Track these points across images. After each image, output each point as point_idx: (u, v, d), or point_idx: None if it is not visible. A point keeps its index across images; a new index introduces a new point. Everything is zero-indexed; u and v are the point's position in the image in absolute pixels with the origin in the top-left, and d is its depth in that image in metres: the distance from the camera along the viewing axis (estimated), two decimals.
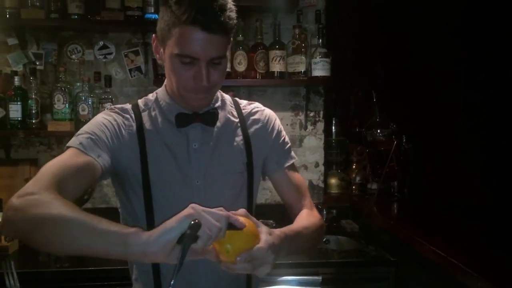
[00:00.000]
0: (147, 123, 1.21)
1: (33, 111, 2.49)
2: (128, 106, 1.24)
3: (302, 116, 2.78)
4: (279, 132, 1.33)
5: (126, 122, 1.19)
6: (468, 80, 2.28)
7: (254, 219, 1.02)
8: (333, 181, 2.78)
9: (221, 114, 1.25)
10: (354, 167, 2.88)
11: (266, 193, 2.70)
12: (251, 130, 1.29)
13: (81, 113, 2.49)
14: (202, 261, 0.99)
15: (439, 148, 2.53)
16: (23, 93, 2.48)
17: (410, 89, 2.72)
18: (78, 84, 2.56)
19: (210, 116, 1.21)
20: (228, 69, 2.50)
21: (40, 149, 2.67)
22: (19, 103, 2.45)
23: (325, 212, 2.67)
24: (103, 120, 1.17)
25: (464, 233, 1.95)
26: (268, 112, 1.34)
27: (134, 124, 1.19)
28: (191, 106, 1.19)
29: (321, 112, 2.80)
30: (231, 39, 1.16)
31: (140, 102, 1.27)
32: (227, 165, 1.23)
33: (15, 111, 2.45)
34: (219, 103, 1.27)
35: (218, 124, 1.24)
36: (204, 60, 1.08)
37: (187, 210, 0.90)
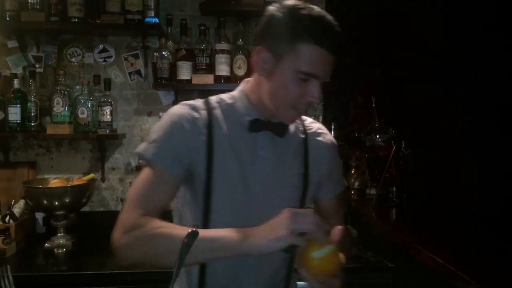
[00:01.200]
0: (215, 122, 1.20)
1: (32, 114, 2.49)
2: (199, 103, 1.22)
3: None
4: (337, 159, 1.36)
5: (195, 121, 1.18)
6: (467, 85, 2.28)
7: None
8: None
9: (290, 127, 1.25)
10: (352, 172, 2.87)
11: None
12: (313, 150, 1.29)
13: (80, 116, 2.49)
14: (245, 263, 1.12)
15: (438, 154, 2.53)
16: (22, 96, 2.48)
17: (410, 95, 2.72)
18: (77, 87, 2.57)
19: (281, 127, 1.22)
20: (227, 73, 2.50)
21: (39, 152, 2.67)
22: (18, 105, 2.46)
23: None
24: (172, 124, 1.16)
25: (462, 240, 1.94)
26: (330, 136, 1.35)
27: (203, 123, 1.18)
28: (282, 119, 1.19)
29: (320, 117, 2.80)
30: None
31: (213, 99, 1.25)
32: (287, 178, 1.24)
33: (14, 113, 2.45)
34: None
35: (286, 137, 1.24)
36: (323, 79, 1.10)
37: (290, 220, 0.95)
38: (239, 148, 1.19)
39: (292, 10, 1.09)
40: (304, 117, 1.33)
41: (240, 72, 2.52)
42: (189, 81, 2.50)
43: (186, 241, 0.89)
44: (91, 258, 2.31)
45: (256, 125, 1.19)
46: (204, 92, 2.68)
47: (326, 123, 2.80)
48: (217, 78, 2.50)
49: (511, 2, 2.05)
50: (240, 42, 2.56)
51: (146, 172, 1.14)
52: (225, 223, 1.08)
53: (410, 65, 2.71)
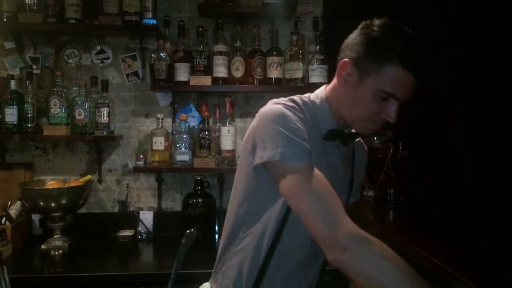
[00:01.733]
0: (306, 123, 1.20)
1: (29, 115, 2.48)
2: (291, 102, 1.20)
3: None
4: (364, 169, 1.44)
5: (299, 119, 1.16)
6: (466, 86, 2.29)
7: None
8: None
9: None
10: None
11: None
12: (357, 159, 1.37)
13: (77, 117, 2.48)
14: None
15: (436, 156, 2.53)
16: (19, 97, 2.47)
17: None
18: (74, 88, 2.56)
19: (350, 137, 1.26)
20: (225, 75, 2.50)
21: (35, 154, 2.66)
22: (15, 107, 2.45)
23: None
24: (295, 122, 1.13)
25: (460, 242, 1.94)
26: (365, 147, 1.44)
27: (306, 123, 1.17)
28: (358, 131, 1.22)
29: None
30: None
31: (298, 100, 1.23)
32: (342, 183, 1.30)
33: (11, 115, 2.45)
34: None
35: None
36: (402, 100, 1.13)
37: None
38: (314, 153, 1.17)
39: (386, 31, 1.12)
40: None
41: (238, 73, 2.52)
42: (187, 82, 2.49)
43: (184, 242, 0.89)
44: (87, 260, 2.30)
45: (331, 135, 1.22)
46: (202, 93, 2.69)
47: None
48: (215, 80, 2.50)
49: None
50: (237, 43, 2.56)
51: (306, 173, 1.08)
52: (296, 231, 1.16)
53: None
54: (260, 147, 1.12)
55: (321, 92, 1.27)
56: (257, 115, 1.20)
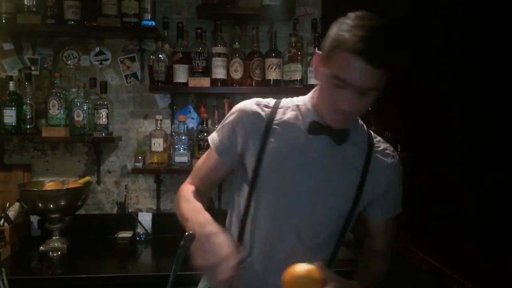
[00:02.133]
0: (278, 121, 1.28)
1: (28, 117, 2.48)
2: (268, 101, 1.33)
3: None
4: (397, 184, 1.35)
5: (258, 119, 1.28)
6: (465, 88, 2.29)
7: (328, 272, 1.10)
8: None
9: (352, 137, 1.27)
10: None
11: None
12: (374, 167, 1.29)
13: (76, 119, 2.48)
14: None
15: (435, 158, 2.53)
16: (18, 98, 2.47)
17: (406, 98, 2.73)
18: (73, 89, 2.56)
19: (340, 134, 1.24)
20: (224, 77, 2.51)
21: (34, 155, 2.66)
22: (13, 108, 2.45)
23: None
24: (235, 117, 1.31)
25: (458, 244, 1.95)
26: (396, 160, 1.34)
27: (265, 120, 1.28)
28: (328, 122, 1.22)
29: None
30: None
31: (284, 100, 1.34)
32: (337, 186, 1.27)
33: (9, 116, 2.44)
34: (353, 126, 1.29)
35: (345, 145, 1.26)
36: (355, 87, 1.10)
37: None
38: (295, 148, 1.25)
39: (343, 20, 1.13)
40: (374, 135, 1.35)
41: (237, 75, 2.52)
42: (186, 84, 2.49)
43: (183, 244, 0.89)
44: (86, 261, 2.30)
45: (314, 128, 1.23)
46: (201, 95, 2.69)
47: None
48: (214, 81, 2.50)
49: None
50: (236, 45, 2.57)
51: (209, 151, 1.37)
52: (264, 214, 1.27)
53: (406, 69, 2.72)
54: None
55: (313, 90, 1.32)
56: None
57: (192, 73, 2.51)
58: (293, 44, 2.57)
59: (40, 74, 2.64)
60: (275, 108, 1.30)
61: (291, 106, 1.30)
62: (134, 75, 2.69)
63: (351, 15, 1.13)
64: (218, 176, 1.42)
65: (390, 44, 1.08)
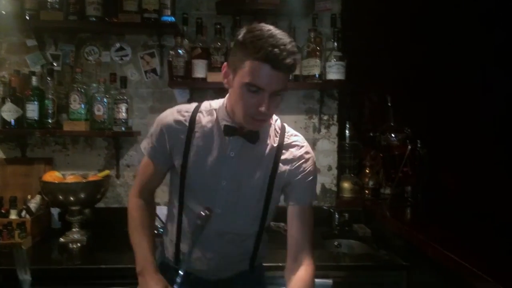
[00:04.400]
0: (198, 124, 1.45)
1: (50, 111, 2.53)
2: (190, 106, 1.49)
3: (316, 119, 2.77)
4: (307, 174, 1.47)
5: (180, 125, 1.45)
6: (486, 83, 2.25)
7: None
8: (346, 185, 2.76)
9: (263, 136, 1.44)
10: (367, 171, 2.85)
11: None
12: (283, 160, 1.46)
13: (97, 113, 2.52)
14: (215, 239, 1.46)
15: (455, 153, 2.49)
16: (40, 93, 2.52)
17: (426, 93, 2.70)
18: (94, 85, 2.60)
19: (251, 134, 1.41)
20: None
21: (55, 149, 2.71)
22: (36, 102, 2.50)
23: (337, 216, 2.65)
24: (162, 125, 1.47)
25: (479, 239, 1.91)
26: (304, 151, 1.48)
27: (187, 125, 1.44)
28: (246, 126, 1.37)
29: (335, 116, 2.79)
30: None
31: (203, 104, 1.49)
32: (253, 178, 1.44)
33: (32, 110, 2.50)
34: (264, 127, 1.44)
35: (258, 144, 1.43)
36: (269, 91, 1.26)
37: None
38: (214, 147, 1.43)
39: (246, 32, 1.27)
40: (288, 129, 1.52)
41: None
42: (204, 79, 2.51)
43: (200, 224, 0.94)
44: (105, 253, 2.32)
45: (228, 130, 1.41)
46: (219, 90, 2.69)
47: (341, 122, 2.79)
48: None
49: None
50: None
51: (144, 160, 1.55)
52: (196, 203, 1.44)
53: (426, 64, 2.69)
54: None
55: (226, 96, 1.45)
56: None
57: (211, 68, 2.52)
58: (312, 39, 2.56)
59: (62, 70, 2.68)
60: (195, 112, 1.46)
61: (209, 110, 1.46)
62: (154, 70, 2.72)
63: (248, 27, 1.28)
64: (157, 180, 1.56)
65: (287, 50, 1.22)
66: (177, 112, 1.47)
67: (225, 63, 1.36)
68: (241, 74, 1.26)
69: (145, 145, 1.53)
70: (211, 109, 1.47)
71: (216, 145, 1.43)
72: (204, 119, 1.45)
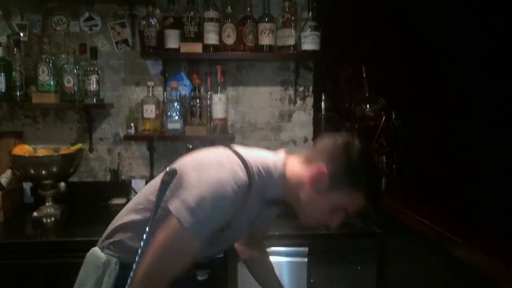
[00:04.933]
0: (247, 200, 1.22)
1: (17, 83, 2.45)
2: (244, 179, 1.19)
3: (291, 91, 2.76)
4: None
5: (234, 203, 1.18)
6: (460, 55, 2.27)
7: None
8: None
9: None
10: None
11: None
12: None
13: (66, 85, 2.45)
14: None
15: (428, 125, 2.53)
16: (7, 65, 2.43)
17: (401, 65, 2.70)
18: (63, 56, 2.52)
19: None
20: (216, 42, 2.47)
21: (25, 122, 2.64)
22: (2, 74, 2.41)
23: None
24: (220, 203, 1.15)
25: (450, 206, 1.96)
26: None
27: (238, 204, 1.19)
28: (303, 224, 1.33)
29: (311, 87, 2.78)
30: None
31: (255, 174, 1.23)
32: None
33: None
34: None
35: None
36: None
37: None
38: (250, 216, 1.30)
39: (363, 160, 1.22)
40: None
41: (229, 40, 2.48)
42: (177, 50, 2.46)
43: (166, 179, 0.99)
44: (79, 227, 2.29)
45: (273, 203, 1.31)
46: (193, 61, 2.65)
47: (316, 94, 2.79)
48: (206, 47, 2.46)
49: None
50: (229, 10, 2.52)
51: (177, 232, 1.14)
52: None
53: (401, 36, 2.69)
54: (181, 195, 1.15)
55: (281, 167, 1.28)
56: (198, 162, 1.23)
57: (183, 38, 2.47)
58: (287, 9, 2.53)
59: (29, 40, 2.59)
60: (248, 189, 1.20)
61: (259, 181, 1.24)
62: (125, 41, 2.65)
63: (364, 151, 1.24)
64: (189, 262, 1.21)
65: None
66: (239, 190, 1.17)
67: (326, 172, 1.20)
68: (344, 198, 1.22)
69: (189, 220, 1.12)
70: (261, 181, 1.24)
71: (252, 213, 1.29)
72: (253, 195, 1.23)
